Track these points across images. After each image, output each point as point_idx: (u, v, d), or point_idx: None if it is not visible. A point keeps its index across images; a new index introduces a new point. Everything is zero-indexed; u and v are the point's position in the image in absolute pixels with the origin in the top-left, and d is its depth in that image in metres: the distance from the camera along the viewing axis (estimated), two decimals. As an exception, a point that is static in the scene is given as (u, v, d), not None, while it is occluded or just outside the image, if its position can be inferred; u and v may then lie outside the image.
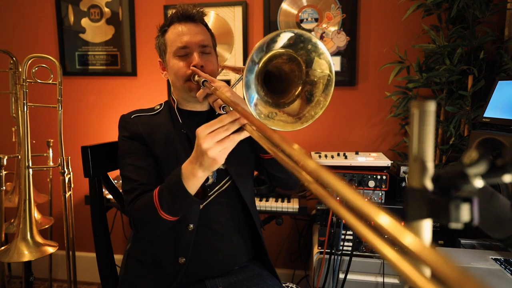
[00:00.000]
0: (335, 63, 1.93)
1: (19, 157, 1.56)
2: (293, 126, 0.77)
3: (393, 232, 0.25)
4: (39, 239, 1.41)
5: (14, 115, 1.76)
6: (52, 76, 1.57)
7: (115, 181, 1.48)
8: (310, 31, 1.95)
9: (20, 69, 1.49)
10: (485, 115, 1.29)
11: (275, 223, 1.73)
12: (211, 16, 2.01)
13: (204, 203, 1.01)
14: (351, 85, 1.94)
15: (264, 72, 0.77)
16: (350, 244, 1.49)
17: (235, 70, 1.26)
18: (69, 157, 1.60)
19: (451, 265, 0.21)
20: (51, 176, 1.87)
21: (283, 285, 1.13)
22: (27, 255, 1.34)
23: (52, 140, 1.81)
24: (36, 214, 1.52)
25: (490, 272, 0.98)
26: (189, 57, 0.99)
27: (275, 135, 0.48)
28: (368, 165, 1.52)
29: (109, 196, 1.73)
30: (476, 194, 0.26)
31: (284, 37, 0.73)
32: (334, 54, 1.93)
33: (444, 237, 1.45)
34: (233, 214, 1.06)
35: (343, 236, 1.50)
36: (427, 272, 0.25)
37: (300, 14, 1.94)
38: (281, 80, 0.82)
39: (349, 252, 1.48)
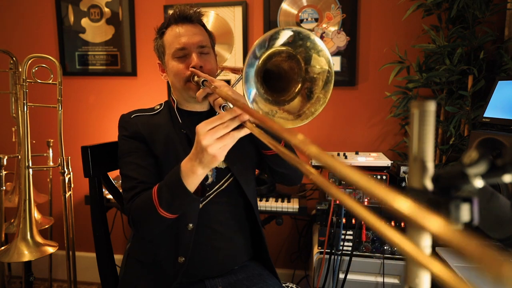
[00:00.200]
0: (335, 63, 1.93)
1: (19, 157, 1.56)
2: (293, 123, 0.78)
3: (387, 199, 0.25)
4: (39, 239, 1.41)
5: (14, 115, 1.76)
6: (52, 76, 1.57)
7: (115, 181, 1.48)
8: (310, 31, 1.94)
9: (20, 69, 1.49)
10: (485, 115, 1.29)
11: (275, 223, 1.73)
12: (211, 16, 2.01)
13: (204, 203, 1.01)
14: (351, 85, 1.94)
15: (264, 70, 0.77)
16: (350, 244, 1.49)
17: (234, 70, 1.26)
18: (69, 157, 1.60)
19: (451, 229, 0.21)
20: (51, 176, 1.87)
21: (283, 285, 1.13)
22: (27, 255, 1.34)
23: (52, 140, 1.81)
24: (36, 214, 1.52)
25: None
26: (187, 58, 0.99)
27: (275, 125, 0.48)
28: (368, 165, 1.52)
29: (109, 196, 1.72)
30: (476, 194, 0.26)
31: (283, 35, 0.73)
32: (334, 54, 1.93)
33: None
34: (234, 213, 1.06)
35: (343, 236, 1.50)
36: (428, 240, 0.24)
37: (300, 14, 1.94)
38: (280, 79, 0.82)
39: (349, 252, 1.48)
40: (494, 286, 0.17)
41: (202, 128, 0.73)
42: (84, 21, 2.14)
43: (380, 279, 1.45)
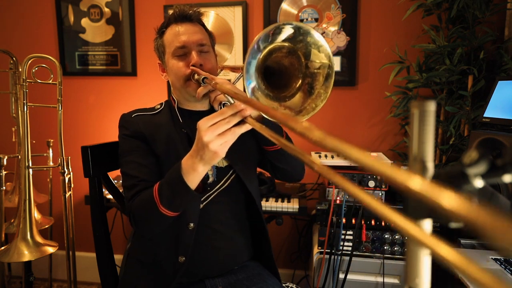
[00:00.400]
0: (335, 63, 1.93)
1: (19, 157, 1.56)
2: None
3: (403, 181, 0.25)
4: (39, 239, 1.41)
5: (14, 115, 1.76)
6: (52, 76, 1.57)
7: (115, 181, 1.48)
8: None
9: (20, 69, 1.49)
10: (485, 115, 1.29)
11: (275, 223, 1.73)
12: (211, 16, 2.01)
13: (204, 203, 1.01)
14: (351, 85, 1.94)
15: (264, 66, 0.77)
16: (350, 244, 1.49)
17: (234, 69, 1.26)
18: (69, 157, 1.60)
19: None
20: (51, 176, 1.87)
21: (283, 285, 1.13)
22: (27, 255, 1.34)
23: (52, 140, 1.81)
24: (36, 214, 1.52)
25: (490, 272, 0.98)
26: (187, 57, 0.99)
27: (278, 113, 0.48)
28: (368, 165, 1.52)
29: (109, 196, 1.72)
30: (476, 194, 0.26)
31: (284, 30, 0.73)
32: (334, 54, 1.93)
33: (444, 237, 1.45)
34: (235, 212, 1.06)
35: (343, 236, 1.50)
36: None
37: (300, 14, 1.94)
38: (281, 75, 0.82)
39: (349, 252, 1.48)
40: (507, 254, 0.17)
41: (203, 124, 0.73)
42: (84, 21, 2.14)
43: (380, 279, 1.45)
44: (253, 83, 0.75)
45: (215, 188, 1.03)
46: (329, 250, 1.50)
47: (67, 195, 1.59)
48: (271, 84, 0.80)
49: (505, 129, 1.19)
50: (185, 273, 0.98)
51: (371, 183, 1.50)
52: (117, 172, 1.07)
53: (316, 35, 0.75)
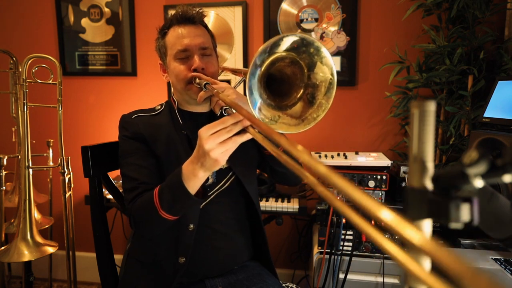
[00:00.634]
0: (335, 63, 1.93)
1: (19, 157, 1.56)
2: (296, 128, 0.78)
3: (397, 227, 0.25)
4: (39, 239, 1.41)
5: (14, 115, 1.76)
6: (52, 76, 1.57)
7: (115, 181, 1.48)
8: (310, 31, 1.95)
9: (20, 69, 1.49)
10: (485, 115, 1.29)
11: (275, 223, 1.73)
12: (211, 16, 2.01)
13: (204, 203, 1.01)
14: (351, 85, 1.94)
15: (267, 75, 0.77)
16: (350, 244, 1.49)
17: (235, 72, 1.26)
18: (69, 157, 1.60)
19: (452, 257, 0.21)
20: (51, 176, 1.87)
21: (283, 285, 1.13)
22: (27, 255, 1.34)
23: (52, 140, 1.81)
24: (36, 214, 1.52)
25: (490, 272, 0.98)
26: (189, 60, 0.98)
27: (282, 139, 0.48)
28: (368, 165, 1.52)
29: (109, 196, 1.72)
30: (476, 194, 0.26)
31: (287, 41, 0.73)
32: (334, 54, 1.93)
33: (444, 237, 1.45)
34: (235, 212, 1.07)
35: (343, 236, 1.49)
36: (428, 264, 0.25)
37: (300, 14, 1.94)
38: (283, 83, 0.82)
39: (349, 252, 1.48)
40: None
41: (204, 132, 0.73)
42: (84, 21, 2.14)
43: (380, 279, 1.45)
44: (258, 99, 0.75)
45: (215, 189, 1.03)
46: (329, 250, 1.50)
47: (67, 195, 1.60)
48: (273, 92, 0.80)
49: (505, 129, 1.19)
50: (185, 273, 0.98)
51: (371, 183, 1.50)
52: (117, 172, 1.07)
53: (320, 47, 0.75)
